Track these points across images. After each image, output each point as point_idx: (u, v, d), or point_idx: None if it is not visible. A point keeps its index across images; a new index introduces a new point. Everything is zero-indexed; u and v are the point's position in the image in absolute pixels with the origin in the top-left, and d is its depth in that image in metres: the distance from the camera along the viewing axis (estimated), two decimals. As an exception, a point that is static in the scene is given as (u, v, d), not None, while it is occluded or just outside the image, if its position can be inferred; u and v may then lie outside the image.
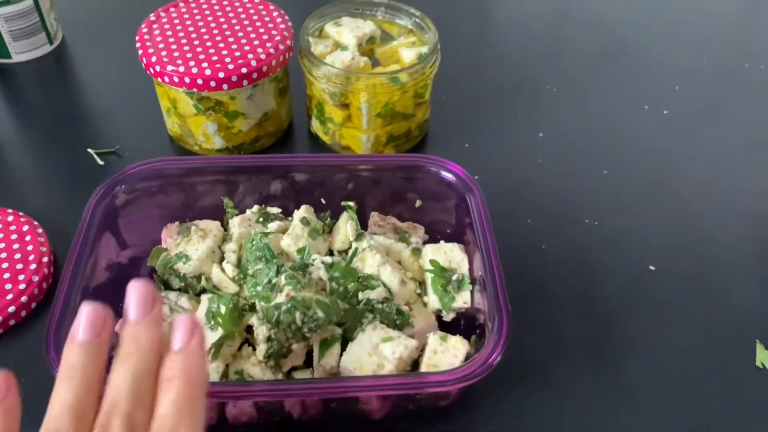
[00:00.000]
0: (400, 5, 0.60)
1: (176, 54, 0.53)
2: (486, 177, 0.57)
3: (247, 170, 0.49)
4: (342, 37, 0.58)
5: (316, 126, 0.60)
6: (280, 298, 0.41)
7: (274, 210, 0.50)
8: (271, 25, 0.56)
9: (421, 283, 0.46)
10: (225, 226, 0.50)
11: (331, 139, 0.59)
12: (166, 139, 0.61)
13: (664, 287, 0.51)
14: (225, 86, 0.53)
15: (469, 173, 0.48)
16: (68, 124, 0.63)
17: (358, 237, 0.46)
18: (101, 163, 0.59)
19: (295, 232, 0.46)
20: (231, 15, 0.57)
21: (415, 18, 0.59)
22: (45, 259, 0.49)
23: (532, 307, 0.49)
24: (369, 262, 0.44)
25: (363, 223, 0.50)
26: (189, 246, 0.46)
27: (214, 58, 0.53)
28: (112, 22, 0.75)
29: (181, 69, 0.52)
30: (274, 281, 0.43)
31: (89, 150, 0.59)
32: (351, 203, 0.48)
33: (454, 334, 0.43)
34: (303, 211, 0.48)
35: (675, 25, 0.76)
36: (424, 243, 0.49)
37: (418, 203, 0.50)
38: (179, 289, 0.45)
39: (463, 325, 0.45)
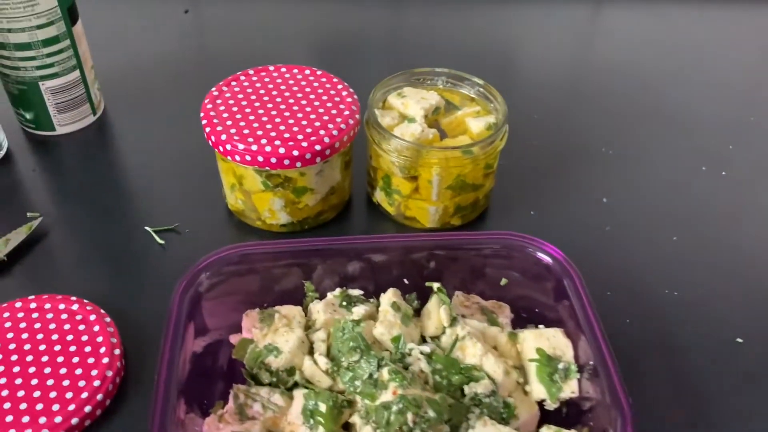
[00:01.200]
0: (463, 74, 0.59)
1: (246, 131, 0.52)
2: (557, 246, 0.56)
3: (330, 253, 0.47)
4: (408, 109, 0.57)
5: (380, 197, 0.58)
6: (387, 396, 0.39)
7: (356, 292, 0.48)
8: (337, 99, 0.55)
9: (520, 369, 0.45)
10: (305, 310, 0.48)
11: (396, 210, 0.58)
12: (224, 213, 0.59)
13: (754, 360, 0.50)
14: (299, 164, 0.51)
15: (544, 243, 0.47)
16: (118, 199, 0.61)
17: (452, 322, 0.45)
18: (161, 242, 0.56)
19: (387, 320, 0.44)
20: (295, 88, 0.56)
21: (479, 87, 0.59)
22: (116, 351, 0.47)
23: (627, 387, 0.47)
24: (470, 351, 0.43)
25: (445, 302, 0.48)
26: (277, 337, 0.44)
27: (286, 135, 0.52)
28: (150, 90, 0.73)
29: (254, 147, 0.51)
30: (375, 376, 0.41)
31: (147, 228, 0.57)
32: (439, 285, 0.47)
33: (555, 421, 0.41)
34: (391, 296, 0.46)
35: (718, 82, 0.77)
36: (513, 325, 0.48)
37: (503, 281, 0.49)
38: (270, 384, 0.43)
39: (565, 413, 0.44)
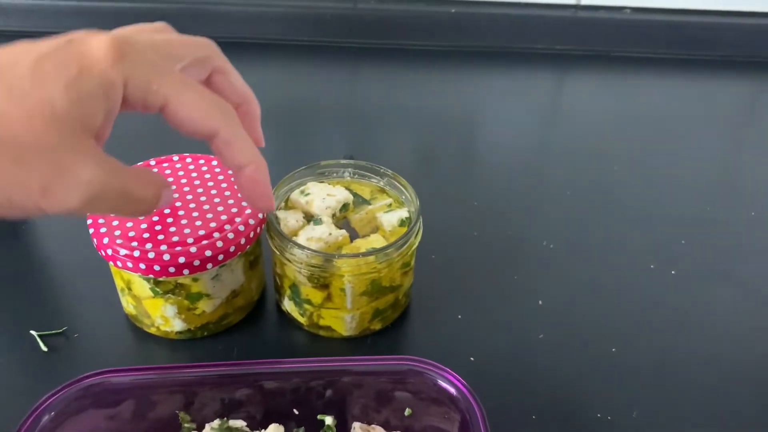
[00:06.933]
0: (370, 164, 0.55)
1: (132, 234, 0.47)
2: (481, 358, 0.51)
3: (208, 380, 0.42)
4: (313, 207, 0.52)
5: (289, 306, 0.53)
6: None
7: (238, 423, 0.42)
8: (239, 196, 0.51)
9: None
10: (181, 443, 0.42)
11: (308, 320, 0.53)
12: (121, 317, 0.54)
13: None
14: (186, 272, 0.46)
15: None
16: (5, 300, 0.55)
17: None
18: (45, 348, 0.51)
19: (263, 463, 0.39)
20: (197, 182, 0.52)
21: (387, 177, 0.54)
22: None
23: None
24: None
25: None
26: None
27: (175, 239, 0.47)
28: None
29: (136, 254, 0.46)
30: None
31: (32, 332, 0.52)
32: (331, 419, 0.41)
33: None
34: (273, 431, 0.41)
35: (674, 172, 0.72)
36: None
37: (407, 411, 0.43)
38: None
39: None
